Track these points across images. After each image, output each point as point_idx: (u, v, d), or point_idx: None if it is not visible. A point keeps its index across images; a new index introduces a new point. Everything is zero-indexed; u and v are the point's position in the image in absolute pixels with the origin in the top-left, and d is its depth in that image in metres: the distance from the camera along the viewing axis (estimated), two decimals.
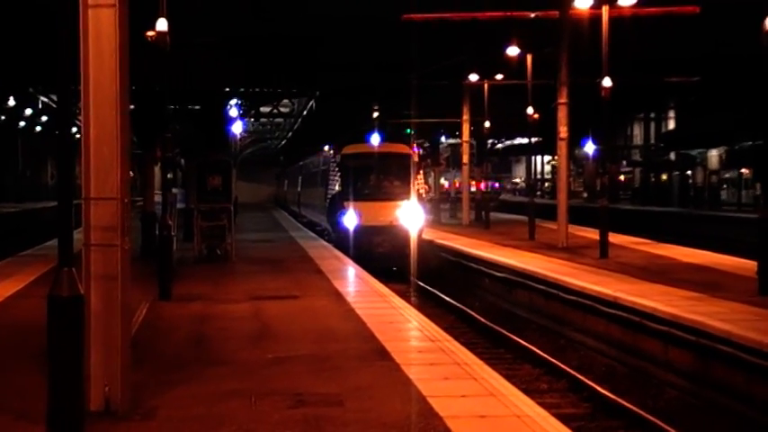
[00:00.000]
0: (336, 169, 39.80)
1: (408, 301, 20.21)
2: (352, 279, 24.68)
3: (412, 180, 37.26)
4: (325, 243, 37.28)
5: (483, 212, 51.94)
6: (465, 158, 55.66)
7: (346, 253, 32.20)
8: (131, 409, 10.38)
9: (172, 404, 10.91)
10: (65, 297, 8.41)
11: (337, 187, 38.88)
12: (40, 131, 78.45)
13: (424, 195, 46.68)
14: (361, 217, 35.10)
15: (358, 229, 34.76)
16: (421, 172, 47.29)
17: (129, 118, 10.61)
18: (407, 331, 16.31)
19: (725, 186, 75.70)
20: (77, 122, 10.44)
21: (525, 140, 63.42)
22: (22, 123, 77.00)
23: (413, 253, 33.15)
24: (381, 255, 33.85)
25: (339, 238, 36.46)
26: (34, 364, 11.73)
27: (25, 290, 21.15)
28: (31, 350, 12.99)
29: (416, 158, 41.28)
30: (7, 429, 9.87)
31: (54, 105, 44.48)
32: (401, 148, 40.96)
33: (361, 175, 37.64)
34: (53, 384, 8.50)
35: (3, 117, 71.53)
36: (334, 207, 38.53)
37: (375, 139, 40.59)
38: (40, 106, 70.02)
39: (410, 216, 35.16)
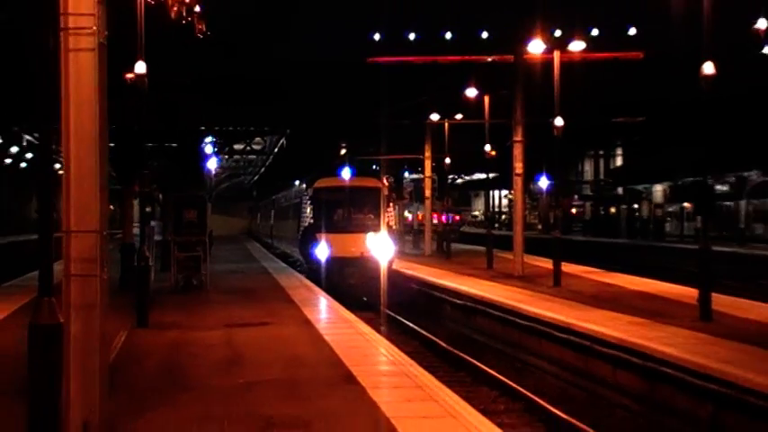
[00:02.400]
0: (309, 202, 39.37)
1: (376, 329, 20.17)
2: (321, 308, 24.61)
3: (382, 212, 36.98)
4: (297, 273, 37.04)
5: (444, 243, 52.04)
6: (427, 193, 55.92)
7: (318, 284, 31.92)
8: None
9: (145, 428, 10.84)
10: (45, 325, 8.34)
11: (310, 219, 38.46)
12: (24, 168, 78.26)
13: (394, 227, 46.42)
14: (332, 248, 34.72)
15: (330, 260, 34.40)
16: (391, 204, 46.98)
17: (107, 155, 10.58)
18: (373, 356, 16.33)
19: (668, 219, 76.32)
20: (59, 159, 10.35)
21: (483, 176, 63.89)
22: (8, 161, 77.00)
23: (383, 283, 32.75)
24: (352, 285, 33.44)
25: (311, 269, 36.11)
26: (12, 392, 11.56)
27: (7, 319, 20.93)
28: (8, 377, 12.83)
29: (387, 192, 40.96)
30: None
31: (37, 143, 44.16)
32: (372, 181, 40.52)
33: (332, 208, 37.24)
34: (33, 409, 8.40)
35: None
36: (307, 239, 38.11)
37: (346, 173, 39.94)
38: (25, 144, 70.05)
39: (381, 247, 34.65)
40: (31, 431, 8.40)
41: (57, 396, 8.54)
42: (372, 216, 36.82)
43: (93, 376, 10.17)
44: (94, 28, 10.11)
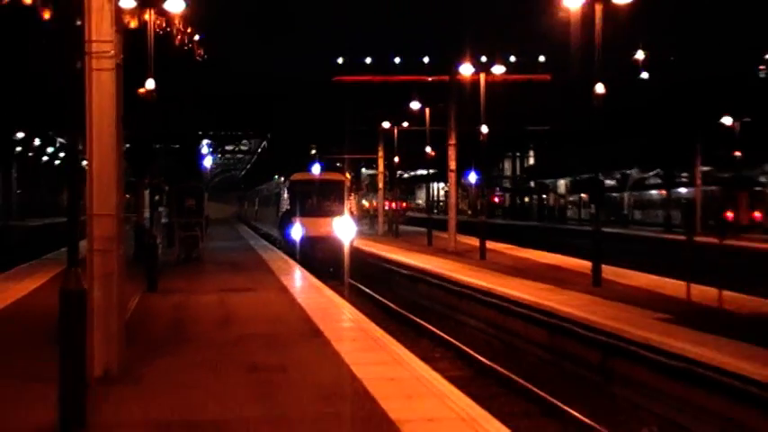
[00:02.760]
0: (286, 192, 39.26)
1: (340, 294, 20.21)
2: (296, 277, 24.58)
3: (345, 200, 36.82)
4: (277, 250, 36.79)
5: (393, 225, 52.12)
6: (380, 185, 56.04)
7: (294, 258, 31.72)
8: (124, 375, 10.34)
9: (155, 372, 10.86)
10: (72, 290, 8.33)
11: (287, 206, 38.26)
12: (57, 164, 77.78)
13: (354, 212, 46.34)
14: (305, 229, 34.37)
15: (303, 239, 34.04)
16: (352, 194, 46.87)
17: (122, 154, 10.59)
18: (337, 316, 16.35)
19: (569, 206, 76.99)
20: (84, 157, 10.32)
21: (425, 172, 64.00)
22: (44, 158, 76.51)
23: (346, 258, 32.57)
24: (321, 259, 33.04)
25: (288, 246, 35.83)
26: (48, 341, 11.54)
27: (44, 286, 20.79)
28: (47, 329, 12.77)
29: (348, 184, 40.84)
30: (26, 390, 9.77)
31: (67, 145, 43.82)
32: (337, 176, 40.39)
33: (305, 197, 36.96)
34: (63, 358, 8.39)
35: (30, 153, 70.73)
36: (284, 221, 37.88)
37: (316, 168, 39.74)
38: (58, 145, 69.51)
39: (344, 228, 34.54)
40: (62, 376, 8.37)
41: (82, 348, 8.53)
42: (337, 203, 36.57)
43: (111, 332, 10.22)
44: (113, 52, 10.11)
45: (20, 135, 62.76)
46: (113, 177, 10.16)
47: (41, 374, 9.76)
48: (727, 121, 47.71)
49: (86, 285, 8.85)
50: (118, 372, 10.25)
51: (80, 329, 8.50)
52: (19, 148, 67.87)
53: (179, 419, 8.67)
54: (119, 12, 10.43)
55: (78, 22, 9.98)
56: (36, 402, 9.10)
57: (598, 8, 20.53)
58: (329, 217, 34.90)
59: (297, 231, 34.61)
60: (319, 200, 37.21)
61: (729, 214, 43.60)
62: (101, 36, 10.07)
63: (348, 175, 46.82)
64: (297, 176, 38.89)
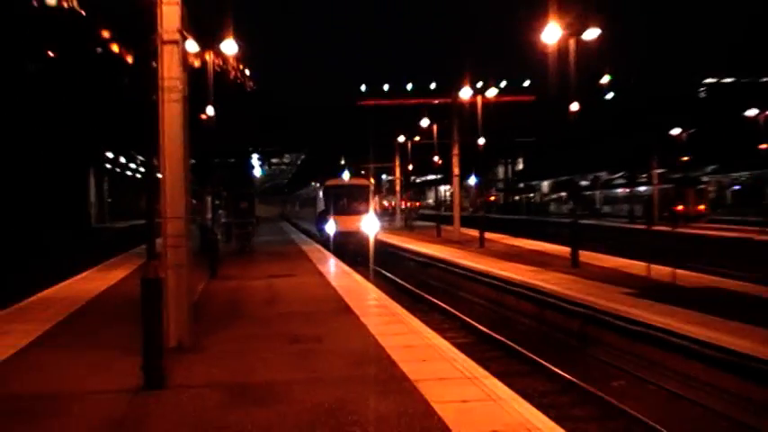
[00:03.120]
0: (322, 195, 38.57)
1: (366, 278, 20.10)
2: (330, 264, 24.36)
3: (371, 201, 36.03)
4: (314, 243, 36.44)
5: (408, 221, 52.01)
6: (397, 188, 56.01)
7: (328, 249, 31.33)
8: (193, 345, 10.32)
9: (216, 342, 10.83)
10: (151, 278, 8.33)
11: (323, 206, 37.52)
12: (138, 177, 78.63)
13: (377, 210, 45.94)
14: (338, 225, 33.83)
15: (336, 233, 33.52)
16: (377, 196, 46.18)
17: (189, 168, 10.55)
18: (364, 295, 16.22)
19: (552, 203, 76.47)
20: (159, 171, 10.32)
21: (434, 176, 63.95)
22: (128, 172, 77.16)
23: (371, 249, 31.91)
24: (351, 250, 32.36)
25: (324, 240, 35.25)
26: (134, 320, 11.59)
27: (129, 275, 20.90)
28: (132, 310, 12.82)
29: (373, 187, 40.42)
30: (114, 357, 9.78)
31: (145, 161, 44.22)
32: (364, 181, 39.72)
33: (338, 198, 36.14)
34: (146, 332, 8.41)
35: (118, 169, 71.72)
36: (321, 219, 37.18)
37: (346, 175, 39.46)
38: (138, 162, 70.03)
39: (370, 225, 33.88)
40: (145, 347, 8.40)
41: (159, 324, 8.54)
42: (365, 203, 35.81)
43: (183, 311, 10.20)
44: (180, 86, 10.09)
45: (109, 155, 63.66)
46: (182, 187, 10.12)
47: (129, 346, 9.77)
48: (676, 132, 47.98)
49: (162, 274, 8.89)
50: (188, 343, 10.22)
51: (157, 310, 8.52)
52: (109, 165, 68.74)
53: (235, 382, 8.65)
54: (185, 55, 10.38)
55: (154, 64, 10.03)
56: (123, 366, 9.12)
57: (572, 42, 20.42)
58: (358, 215, 34.58)
59: (331, 227, 34.24)
60: (350, 201, 36.37)
61: (680, 207, 43.39)
62: (171, 74, 10.06)
63: (372, 180, 46.48)
64: (331, 182, 38.30)
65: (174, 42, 10.04)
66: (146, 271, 8.41)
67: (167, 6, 10.02)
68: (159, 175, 10.38)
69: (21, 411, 7.58)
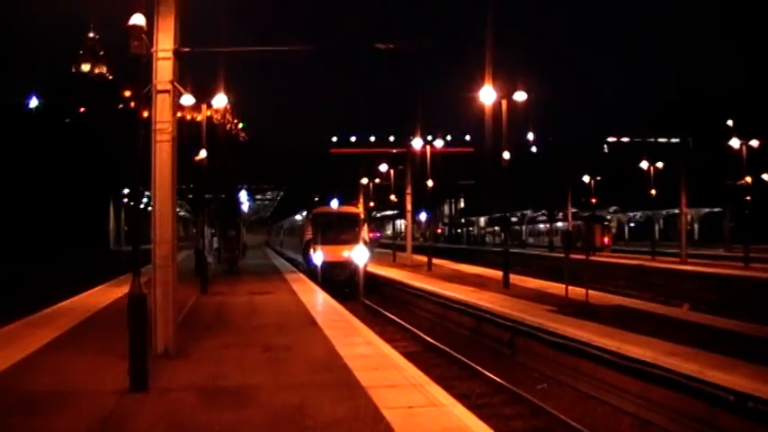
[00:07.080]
0: (309, 223, 30.26)
1: (332, 295, 19.41)
2: (303, 286, 23.60)
3: (360, 231, 28.27)
4: (293, 267, 32.09)
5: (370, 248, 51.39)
6: None
7: (314, 281, 24.63)
8: (178, 352, 9.67)
9: (199, 350, 10.21)
10: (136, 295, 7.74)
11: (310, 235, 29.27)
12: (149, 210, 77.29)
13: (367, 240, 35.78)
14: (325, 255, 26.96)
15: (323, 264, 26.75)
16: (366, 225, 35.99)
17: (176, 201, 9.99)
18: (328, 310, 15.69)
19: (487, 235, 76.82)
20: (151, 203, 9.79)
21: (391, 212, 63.84)
22: (141, 206, 75.96)
23: (361, 281, 26.06)
24: (339, 281, 26.21)
25: (310, 270, 27.71)
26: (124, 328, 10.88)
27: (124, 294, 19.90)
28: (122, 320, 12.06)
29: (363, 216, 31.04)
30: (110, 362, 9.09)
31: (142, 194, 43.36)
32: (353, 209, 31.91)
33: (326, 227, 28.46)
34: (131, 340, 7.81)
35: (132, 203, 70.81)
36: (307, 248, 29.07)
37: (335, 202, 31.92)
38: (148, 197, 68.68)
39: (359, 255, 27.32)
40: (131, 354, 7.78)
41: (144, 334, 7.94)
42: (354, 233, 28.05)
43: (169, 322, 9.57)
44: (170, 129, 9.61)
45: (126, 191, 62.81)
46: (170, 216, 9.57)
47: (126, 352, 9.12)
48: (585, 178, 49.57)
49: (151, 290, 8.31)
50: (173, 350, 9.57)
51: (142, 322, 7.91)
52: (125, 200, 67.78)
53: (212, 385, 8.06)
54: (175, 104, 9.89)
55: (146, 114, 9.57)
56: (116, 370, 8.45)
57: (504, 103, 20.38)
58: (346, 245, 27.65)
59: (318, 257, 27.35)
60: (338, 230, 28.46)
61: (595, 239, 44.10)
62: (163, 118, 9.58)
63: (361, 208, 36.35)
64: (318, 210, 30.89)
65: (167, 92, 9.58)
66: (132, 288, 7.81)
67: (162, 61, 9.57)
68: (151, 207, 9.80)
69: (27, 405, 7.34)
